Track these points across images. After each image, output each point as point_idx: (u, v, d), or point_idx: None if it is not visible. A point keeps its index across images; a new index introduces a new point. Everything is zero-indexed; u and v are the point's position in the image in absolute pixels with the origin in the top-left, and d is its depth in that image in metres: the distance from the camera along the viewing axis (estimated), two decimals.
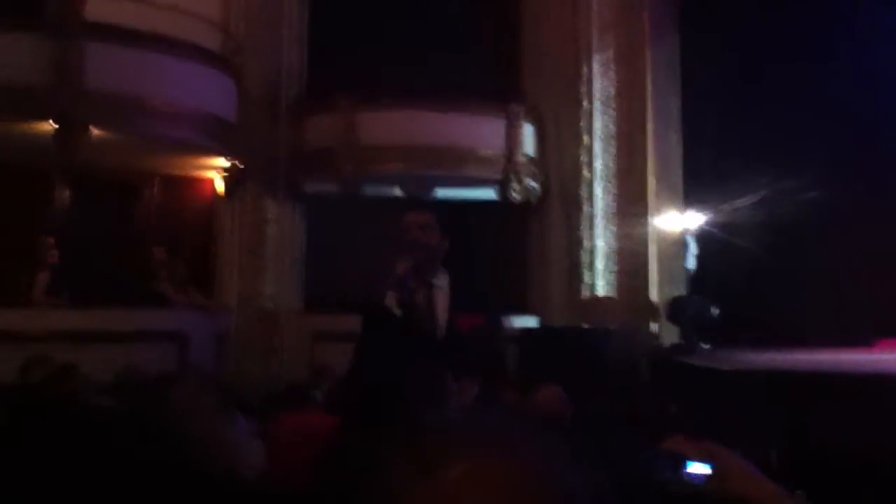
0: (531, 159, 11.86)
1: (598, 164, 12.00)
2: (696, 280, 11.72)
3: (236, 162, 10.65)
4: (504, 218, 12.07)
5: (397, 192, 11.94)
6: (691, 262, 11.73)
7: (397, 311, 3.65)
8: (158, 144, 9.71)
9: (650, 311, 11.64)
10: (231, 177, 10.93)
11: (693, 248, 11.75)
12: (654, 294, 11.72)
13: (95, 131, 8.87)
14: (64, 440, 4.56)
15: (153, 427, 4.21)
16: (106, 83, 8.83)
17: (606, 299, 11.81)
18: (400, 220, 3.97)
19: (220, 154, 10.40)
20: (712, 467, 2.04)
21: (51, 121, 8.65)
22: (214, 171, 10.97)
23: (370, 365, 3.81)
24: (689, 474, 2.04)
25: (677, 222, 11.88)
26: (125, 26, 9.05)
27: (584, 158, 11.96)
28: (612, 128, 12.05)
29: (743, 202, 11.63)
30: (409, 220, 3.90)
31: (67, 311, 9.28)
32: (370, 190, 11.30)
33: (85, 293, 9.59)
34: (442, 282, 3.89)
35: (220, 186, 11.13)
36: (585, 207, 11.92)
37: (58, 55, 8.64)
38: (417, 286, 3.75)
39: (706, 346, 10.87)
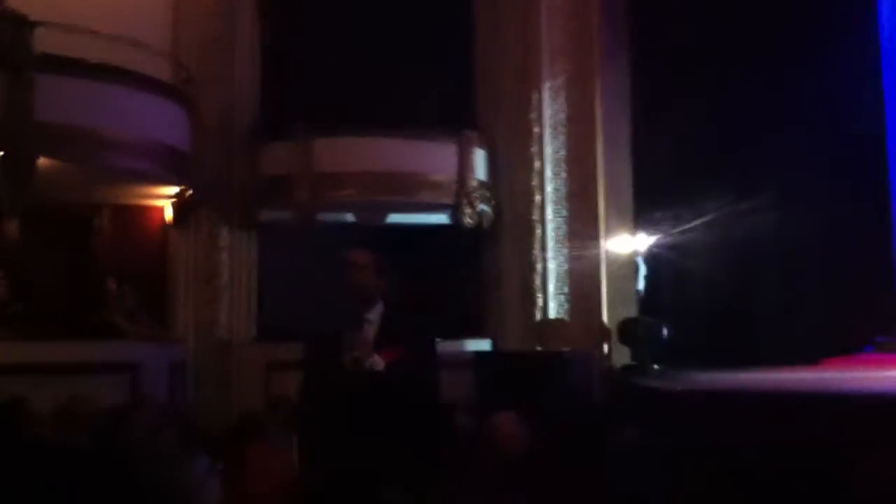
0: (483, 184, 11.96)
1: (550, 188, 12.12)
2: (647, 301, 11.86)
3: (187, 191, 10.60)
4: (457, 242, 12.13)
5: (350, 218, 11.96)
6: (641, 284, 11.89)
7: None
8: (109, 175, 9.63)
9: (602, 332, 11.75)
10: (180, 204, 10.87)
11: (643, 270, 11.91)
12: (605, 316, 11.84)
13: (45, 163, 8.78)
14: (13, 475, 4.51)
15: (110, 464, 4.20)
16: (55, 114, 8.74)
17: (559, 321, 11.91)
18: (342, 259, 4.18)
19: (172, 184, 10.35)
20: None
21: None
22: (165, 199, 10.91)
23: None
24: None
25: (628, 244, 12.04)
26: (75, 57, 8.97)
27: (535, 182, 12.08)
28: (563, 152, 12.19)
29: (692, 224, 11.82)
30: (349, 260, 4.13)
31: (16, 343, 9.15)
32: (324, 217, 11.30)
33: (34, 325, 9.47)
34: (374, 315, 4.08)
35: (169, 215, 11.06)
36: (537, 231, 12.03)
37: (6, 87, 8.55)
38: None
39: (657, 367, 11.01)
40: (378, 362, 3.90)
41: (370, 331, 4.03)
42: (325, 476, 3.68)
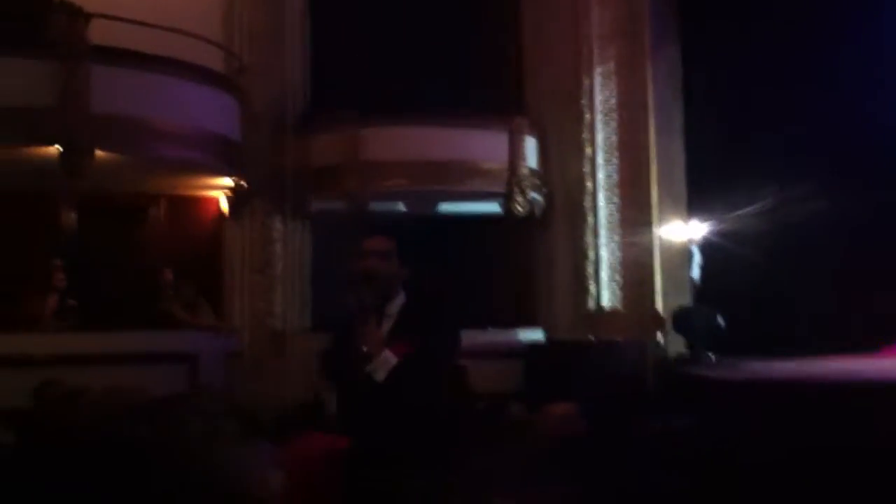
0: (534, 172, 11.89)
1: (602, 175, 12.03)
2: (702, 290, 11.72)
3: (241, 181, 10.68)
4: (508, 231, 12.09)
5: (402, 208, 11.98)
6: (696, 272, 11.74)
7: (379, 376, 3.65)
8: (164, 166, 9.73)
9: (656, 321, 11.65)
10: (235, 196, 10.96)
11: (698, 258, 11.77)
12: (659, 305, 11.73)
13: (101, 154, 8.89)
14: (75, 466, 4.57)
15: (170, 453, 4.24)
16: (111, 106, 8.86)
17: (612, 311, 11.82)
18: (361, 244, 3.91)
19: (225, 174, 10.43)
20: None
21: (57, 145, 8.66)
22: (220, 190, 11.00)
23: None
24: None
25: (681, 232, 11.91)
26: (129, 49, 9.08)
27: (587, 170, 11.99)
28: (615, 139, 12.09)
29: (747, 211, 11.65)
30: (369, 247, 3.85)
31: (76, 334, 9.31)
32: (375, 206, 11.32)
33: (93, 316, 9.63)
34: (394, 308, 3.84)
35: (224, 206, 11.15)
36: (589, 219, 11.94)
37: (63, 79, 8.66)
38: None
39: (712, 356, 10.88)
40: (390, 358, 3.67)
41: (386, 324, 3.79)
42: (357, 465, 3.64)
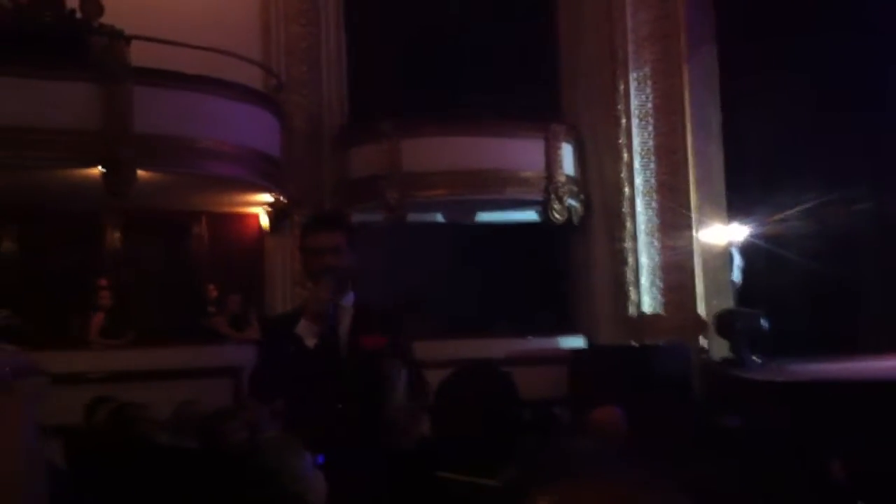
0: (571, 178, 11.88)
1: (639, 180, 11.96)
2: (744, 293, 11.64)
3: (280, 196, 10.79)
4: (547, 238, 12.09)
5: (440, 218, 12.03)
6: (737, 275, 11.66)
7: (310, 343, 3.57)
8: (205, 183, 9.86)
9: (698, 325, 11.58)
10: (275, 211, 11.07)
11: (739, 261, 11.68)
12: (701, 308, 11.65)
13: (143, 173, 9.03)
14: (132, 479, 4.64)
15: (216, 462, 4.31)
16: (153, 126, 8.99)
17: (654, 316, 11.76)
18: (307, 240, 3.82)
19: (266, 190, 10.53)
20: None
21: (100, 166, 8.81)
22: (260, 206, 11.12)
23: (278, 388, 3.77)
24: None
25: (722, 235, 11.82)
26: (169, 69, 9.22)
27: (624, 175, 11.93)
28: (652, 143, 12.02)
29: (789, 213, 11.56)
30: (321, 244, 3.73)
31: (123, 351, 9.48)
32: (414, 217, 11.38)
33: (140, 332, 9.79)
34: (348, 301, 3.75)
35: (265, 221, 11.27)
36: (628, 224, 11.88)
37: (105, 100, 8.81)
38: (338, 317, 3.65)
39: (757, 359, 10.80)
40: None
41: (346, 316, 3.69)
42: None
